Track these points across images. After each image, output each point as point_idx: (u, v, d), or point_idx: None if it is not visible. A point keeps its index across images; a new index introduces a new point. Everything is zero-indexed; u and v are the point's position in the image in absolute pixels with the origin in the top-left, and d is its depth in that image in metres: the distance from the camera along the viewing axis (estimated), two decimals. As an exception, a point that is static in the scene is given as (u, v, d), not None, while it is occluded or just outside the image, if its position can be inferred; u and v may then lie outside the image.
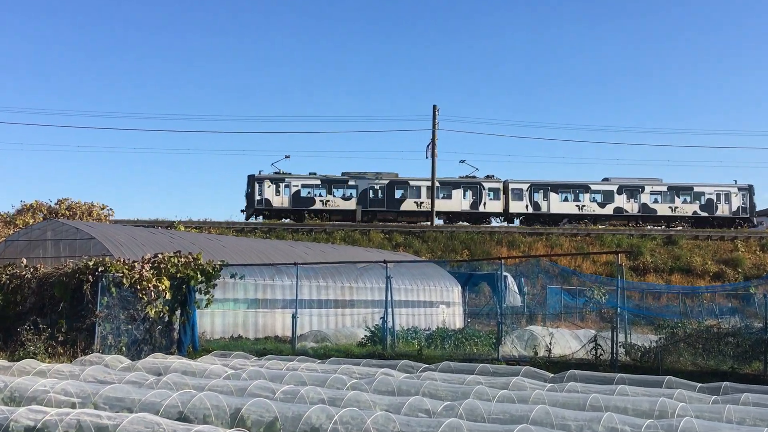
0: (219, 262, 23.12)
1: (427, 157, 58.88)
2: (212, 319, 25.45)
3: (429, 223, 57.34)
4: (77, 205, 42.69)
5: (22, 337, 19.89)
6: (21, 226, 35.49)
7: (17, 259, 24.32)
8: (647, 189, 59.17)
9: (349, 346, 23.12)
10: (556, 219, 59.29)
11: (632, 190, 59.25)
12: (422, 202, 59.34)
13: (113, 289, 20.68)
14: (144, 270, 21.22)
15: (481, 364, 17.28)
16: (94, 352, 19.53)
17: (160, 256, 22.12)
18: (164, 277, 21.63)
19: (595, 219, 58.67)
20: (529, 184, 59.45)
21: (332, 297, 29.86)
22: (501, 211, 59.12)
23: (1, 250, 27.69)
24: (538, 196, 59.24)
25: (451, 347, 22.48)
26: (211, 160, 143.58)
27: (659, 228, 57.27)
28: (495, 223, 59.82)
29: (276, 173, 60.78)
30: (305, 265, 27.15)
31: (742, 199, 58.80)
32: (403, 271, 31.70)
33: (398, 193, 60.03)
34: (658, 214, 59.04)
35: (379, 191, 59.94)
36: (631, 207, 59.17)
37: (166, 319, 21.86)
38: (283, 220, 58.72)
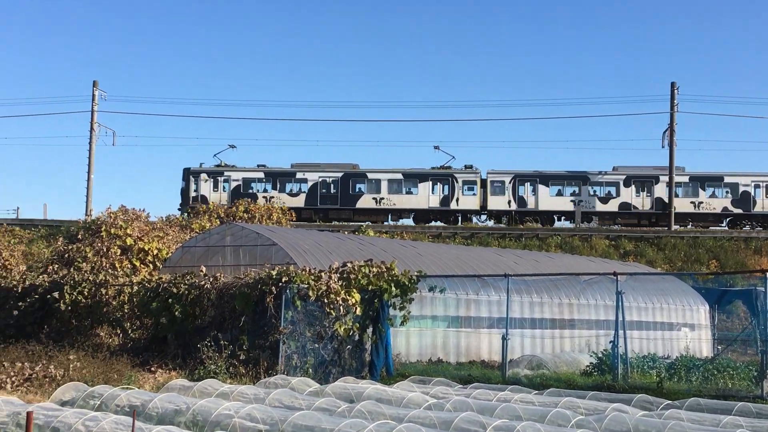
0: (416, 273, 23.52)
1: (663, 147, 56.63)
2: (407, 339, 25.92)
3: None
4: (256, 207, 45.14)
5: (202, 354, 21.23)
6: (197, 230, 38.03)
7: (195, 266, 26.02)
8: (663, 180, 55.29)
9: (571, 375, 22.77)
10: (546, 217, 56.36)
11: (643, 182, 55.94)
12: (382, 198, 57.69)
13: (298, 303, 21.57)
14: (332, 281, 21.95)
15: (740, 403, 16.44)
16: (278, 372, 20.51)
17: (349, 265, 22.82)
18: (354, 290, 22.27)
19: (595, 217, 55.66)
20: (512, 175, 57.21)
21: (548, 315, 29.54)
22: (477, 207, 57.18)
23: (178, 257, 29.76)
24: (524, 190, 56.93)
25: (699, 380, 21.56)
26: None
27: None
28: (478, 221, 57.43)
29: (217, 166, 60.75)
30: (516, 277, 27.01)
31: None
32: (636, 285, 30.76)
33: (354, 188, 58.72)
34: (678, 210, 54.88)
35: (332, 185, 58.75)
36: (642, 202, 55.99)
37: (357, 337, 22.52)
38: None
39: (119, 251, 32.92)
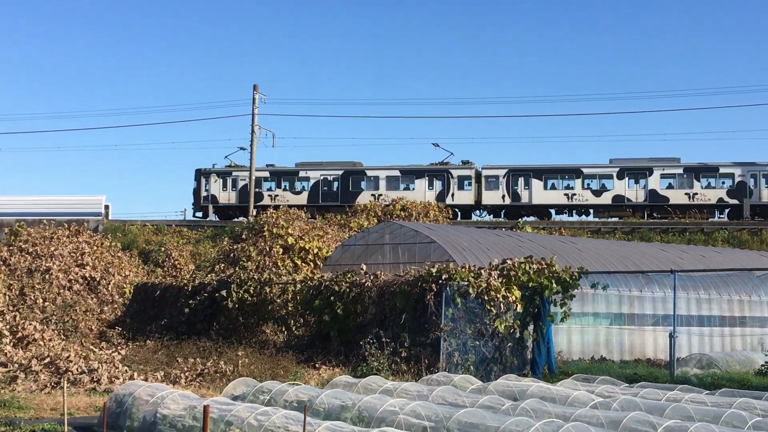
0: (577, 269, 23.14)
1: None
2: (569, 337, 25.54)
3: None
4: (413, 205, 45.48)
5: (364, 351, 21.58)
6: (356, 229, 38.70)
7: (355, 265, 26.48)
8: (656, 172, 54.74)
9: (745, 375, 21.82)
10: (539, 211, 54.86)
11: (637, 174, 55.26)
12: (380, 195, 58.05)
13: (458, 300, 21.61)
14: (491, 278, 21.90)
15: None
16: (439, 370, 20.60)
17: (509, 262, 22.69)
18: (514, 287, 22.14)
19: (589, 210, 53.78)
20: (506, 170, 57.24)
21: (717, 313, 28.45)
22: (472, 202, 56.87)
23: (338, 255, 30.37)
24: (518, 184, 56.88)
25: None
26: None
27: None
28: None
29: (227, 167, 62.43)
30: (683, 273, 26.16)
31: None
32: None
33: (354, 185, 59.51)
34: (671, 202, 54.15)
35: (333, 183, 60.16)
36: (635, 194, 55.14)
37: (517, 335, 22.36)
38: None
39: (281, 250, 33.98)
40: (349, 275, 24.38)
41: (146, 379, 19.17)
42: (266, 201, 60.11)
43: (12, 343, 22.94)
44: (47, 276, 30.34)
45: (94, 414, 16.64)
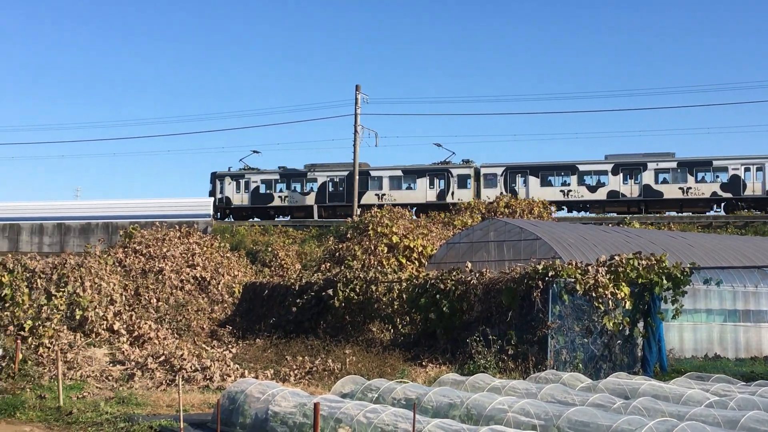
0: (688, 265, 22.57)
1: None
2: (680, 334, 24.94)
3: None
4: (516, 202, 45.13)
5: (470, 349, 21.53)
6: (460, 227, 38.63)
7: (459, 263, 26.44)
8: (650, 166, 54.77)
9: None
10: None
11: (631, 169, 55.34)
12: (384, 194, 60.26)
13: (565, 297, 21.35)
14: (599, 275, 21.56)
15: None
16: (546, 368, 20.38)
17: (617, 258, 22.30)
18: (622, 283, 21.75)
19: (586, 206, 52.83)
20: (504, 168, 58.44)
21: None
22: (471, 200, 55.23)
23: (443, 253, 30.37)
24: (515, 181, 57.86)
25: None
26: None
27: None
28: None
29: (241, 169, 65.23)
30: (801, 267, 25.25)
31: None
32: None
33: (359, 186, 60.35)
34: (665, 197, 54.37)
35: (339, 184, 62.35)
36: (630, 190, 55.12)
37: (627, 332, 21.96)
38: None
39: (386, 249, 34.17)
40: (454, 273, 24.34)
41: (257, 377, 19.56)
42: (276, 202, 63.96)
43: (129, 342, 23.75)
44: (160, 276, 31.21)
45: (207, 411, 17.06)
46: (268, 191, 64.22)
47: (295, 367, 21.47)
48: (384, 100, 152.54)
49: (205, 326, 28.97)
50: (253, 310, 30.20)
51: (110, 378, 20.65)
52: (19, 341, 20.96)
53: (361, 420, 12.76)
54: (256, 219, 61.15)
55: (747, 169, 53.44)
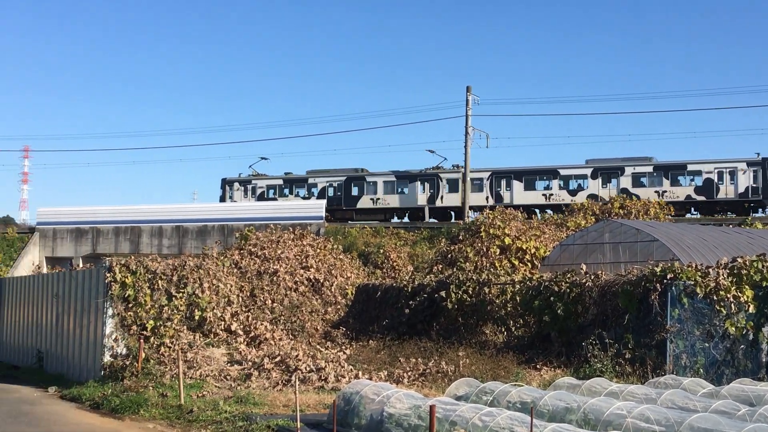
0: (817, 267, 21.63)
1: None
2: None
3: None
4: (631, 203, 44.19)
5: (586, 352, 21.18)
6: (573, 228, 38.03)
7: (573, 264, 26.04)
8: (628, 171, 56.41)
9: None
10: (522, 211, 51.63)
11: (609, 173, 57.07)
12: (378, 199, 62.60)
13: (685, 300, 20.78)
14: (720, 277, 20.91)
15: None
16: (665, 372, 19.88)
17: (739, 260, 21.58)
18: (746, 286, 21.02)
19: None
20: (490, 173, 60.07)
21: None
22: (459, 204, 57.65)
23: (556, 255, 29.97)
24: (500, 186, 59.56)
25: None
26: None
27: None
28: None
29: (249, 176, 69.37)
30: None
31: (753, 178, 52.97)
32: None
33: (354, 190, 63.87)
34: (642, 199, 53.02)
35: (337, 188, 65.01)
36: (608, 193, 55.77)
37: (750, 337, 21.20)
38: None
39: (498, 251, 33.91)
40: (569, 275, 23.97)
41: (371, 378, 19.69)
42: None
43: (246, 342, 24.25)
44: (275, 278, 31.71)
45: (323, 411, 17.28)
46: (273, 196, 68.02)
47: (408, 368, 21.52)
48: (496, 102, 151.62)
49: (318, 327, 29.33)
50: (366, 311, 30.42)
51: (228, 377, 21.14)
52: (141, 340, 21.69)
53: (477, 423, 12.70)
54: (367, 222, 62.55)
55: (720, 173, 54.82)
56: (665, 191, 55.64)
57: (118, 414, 18.38)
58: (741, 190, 54.10)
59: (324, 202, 60.47)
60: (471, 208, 59.77)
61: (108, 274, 22.58)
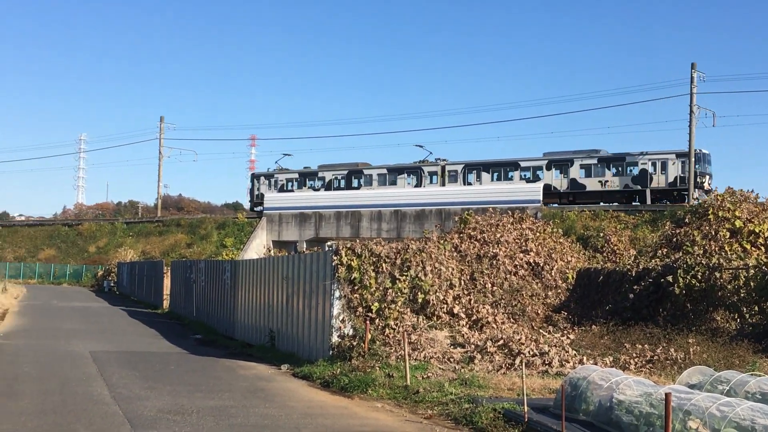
0: None
1: None
2: None
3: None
4: None
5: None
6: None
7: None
8: (576, 162, 61.70)
9: None
10: None
11: (562, 165, 62.47)
12: (373, 189, 71.45)
13: None
14: None
15: None
16: None
17: None
18: None
19: None
20: (463, 165, 67.98)
21: None
22: None
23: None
24: (472, 177, 66.94)
25: None
26: None
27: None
28: None
29: (273, 170, 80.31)
30: None
31: (681, 168, 57.78)
32: None
33: (355, 182, 74.05)
34: (588, 189, 60.86)
35: (341, 181, 75.09)
36: (561, 183, 62.07)
37: None
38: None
39: (728, 234, 32.33)
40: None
41: (596, 364, 19.35)
42: None
43: (468, 325, 24.46)
44: (494, 262, 31.72)
45: (548, 396, 17.17)
46: (290, 188, 78.62)
47: (634, 355, 21.00)
48: (722, 78, 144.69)
49: (539, 311, 29.11)
50: (588, 296, 29.89)
51: (452, 360, 21.41)
52: (368, 322, 22.34)
53: (714, 413, 12.19)
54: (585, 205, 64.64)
55: (654, 164, 59.30)
56: (607, 181, 61.09)
57: (347, 393, 19.05)
58: (671, 179, 58.57)
59: (541, 185, 60.04)
60: None
61: (335, 258, 23.37)
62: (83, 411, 16.01)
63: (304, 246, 67.97)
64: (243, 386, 20.09)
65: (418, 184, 70.68)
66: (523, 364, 16.06)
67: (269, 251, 67.27)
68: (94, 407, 16.49)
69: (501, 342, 21.97)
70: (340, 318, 22.97)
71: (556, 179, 63.32)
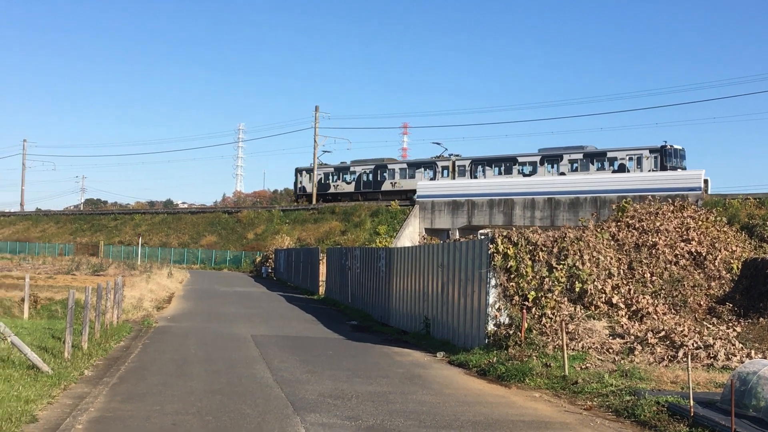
0: None
1: None
2: None
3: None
4: None
5: None
6: None
7: None
8: (566, 158, 68.28)
9: None
10: None
11: (553, 160, 69.36)
12: (395, 183, 79.40)
13: None
14: None
15: None
16: None
17: None
18: None
19: None
20: (470, 160, 75.27)
21: None
22: None
23: None
24: (478, 171, 73.98)
25: None
26: None
27: None
28: None
29: (316, 165, 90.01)
30: None
31: (654, 163, 62.73)
32: None
33: (380, 176, 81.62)
34: None
35: (369, 175, 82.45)
36: (552, 176, 67.74)
37: None
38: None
39: None
40: None
41: (765, 358, 18.58)
42: (332, 189, 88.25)
43: (627, 316, 23.90)
44: (653, 251, 30.77)
45: (713, 390, 16.61)
46: (327, 181, 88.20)
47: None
48: None
49: (702, 302, 28.08)
50: (755, 287, 28.58)
51: (610, 351, 20.98)
52: (524, 311, 22.16)
53: None
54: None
55: (630, 159, 64.71)
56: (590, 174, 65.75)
57: (504, 381, 18.97)
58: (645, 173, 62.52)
59: (702, 172, 57.90)
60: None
61: (491, 246, 23.27)
62: (248, 393, 16.59)
63: (457, 234, 68.07)
64: (400, 372, 20.32)
65: (434, 178, 77.54)
66: (688, 356, 15.54)
67: (425, 239, 67.81)
68: (258, 389, 17.06)
69: (662, 333, 21.35)
70: (496, 306, 22.88)
71: (548, 173, 69.53)
